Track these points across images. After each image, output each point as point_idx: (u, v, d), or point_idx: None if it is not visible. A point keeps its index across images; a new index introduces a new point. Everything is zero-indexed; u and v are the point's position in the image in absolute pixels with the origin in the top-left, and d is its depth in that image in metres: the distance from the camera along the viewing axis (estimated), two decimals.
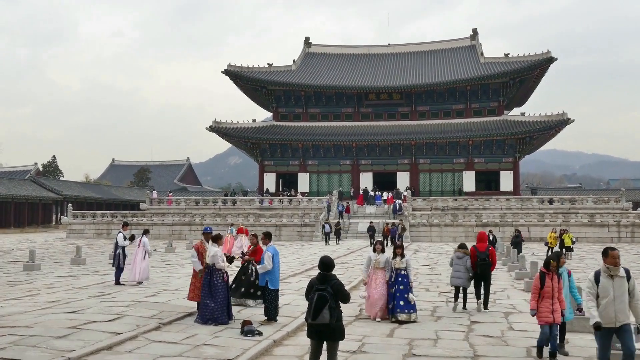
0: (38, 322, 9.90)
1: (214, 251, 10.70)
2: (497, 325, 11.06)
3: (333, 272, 6.89)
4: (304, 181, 59.24)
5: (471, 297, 13.61)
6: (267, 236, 11.57)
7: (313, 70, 63.80)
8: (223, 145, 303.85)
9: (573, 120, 52.32)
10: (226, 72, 59.91)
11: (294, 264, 22.63)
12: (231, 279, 11.87)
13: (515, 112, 61.29)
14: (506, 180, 56.13)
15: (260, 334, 9.58)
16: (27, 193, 65.05)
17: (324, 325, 6.50)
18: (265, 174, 60.97)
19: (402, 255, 11.60)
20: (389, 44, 70.81)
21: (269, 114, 65.80)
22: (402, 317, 11.15)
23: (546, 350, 8.77)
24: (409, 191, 50.35)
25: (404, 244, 12.77)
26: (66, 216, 50.48)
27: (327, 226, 38.13)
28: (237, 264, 13.15)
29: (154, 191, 63.30)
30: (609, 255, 7.02)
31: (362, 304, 12.30)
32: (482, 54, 61.17)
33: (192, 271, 11.63)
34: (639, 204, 65.80)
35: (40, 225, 66.25)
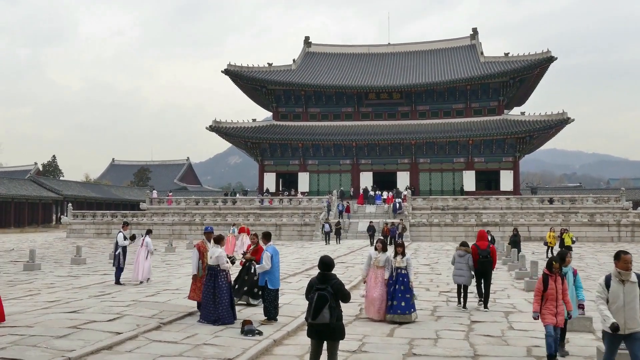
0: (38, 322, 9.90)
1: (218, 252, 10.69)
2: (497, 325, 11.06)
3: (333, 272, 6.90)
4: (304, 181, 59.23)
5: (471, 296, 13.64)
6: (266, 236, 11.55)
7: (313, 69, 63.78)
8: (223, 145, 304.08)
9: (573, 120, 52.31)
10: (226, 72, 59.90)
11: (294, 264, 22.62)
12: (232, 278, 11.86)
13: (515, 111, 61.25)
14: (506, 180, 56.13)
15: (260, 333, 9.58)
16: (27, 193, 65.05)
17: (324, 325, 6.50)
18: (265, 173, 60.98)
19: (403, 254, 11.50)
20: (389, 44, 70.78)
21: (269, 114, 65.78)
22: (400, 318, 11.06)
23: (543, 351, 8.75)
24: (409, 191, 50.35)
25: (404, 244, 12.64)
26: (66, 216, 50.47)
27: (327, 225, 38.13)
28: (238, 263, 13.15)
29: (154, 191, 63.29)
30: (621, 259, 6.66)
31: (363, 304, 12.26)
32: (482, 53, 61.14)
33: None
34: (639, 203, 65.77)
35: (41, 225, 66.25)
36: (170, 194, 62.52)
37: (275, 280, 10.87)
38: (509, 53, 58.74)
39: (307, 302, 6.77)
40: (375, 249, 11.76)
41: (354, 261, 23.84)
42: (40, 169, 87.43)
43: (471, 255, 12.81)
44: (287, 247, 32.85)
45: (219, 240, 10.99)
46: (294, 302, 12.98)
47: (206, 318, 10.46)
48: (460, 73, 57.75)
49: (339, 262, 22.39)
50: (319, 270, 6.89)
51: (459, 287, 13.07)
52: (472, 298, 13.58)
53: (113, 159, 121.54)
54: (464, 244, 13.11)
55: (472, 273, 12.86)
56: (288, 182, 61.02)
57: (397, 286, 11.22)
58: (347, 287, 7.85)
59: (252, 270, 12.27)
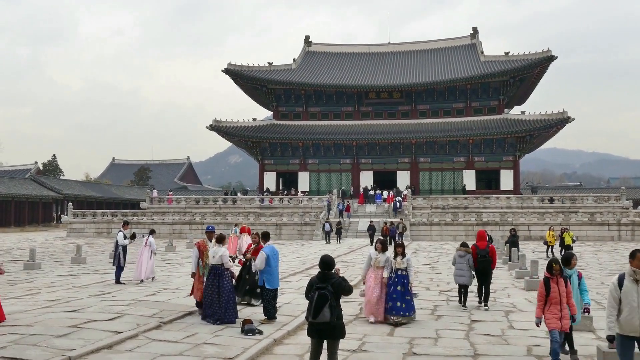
0: (38, 321, 9.90)
1: (222, 251, 10.69)
2: (497, 324, 11.06)
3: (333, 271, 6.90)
4: (304, 180, 59.23)
5: (471, 295, 13.65)
6: (264, 236, 11.59)
7: (313, 69, 63.76)
8: (223, 144, 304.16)
9: (573, 119, 52.29)
10: (226, 71, 59.88)
11: (294, 263, 22.63)
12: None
13: (516, 110, 61.21)
14: (506, 179, 56.12)
15: (260, 332, 9.58)
16: (28, 192, 65.07)
17: (325, 324, 6.51)
18: (265, 172, 60.97)
19: (403, 255, 11.37)
20: (389, 43, 70.74)
21: (269, 113, 65.77)
22: (399, 319, 10.93)
23: (543, 350, 8.76)
24: (409, 190, 50.34)
25: (404, 243, 12.57)
26: (66, 215, 50.48)
27: (327, 225, 38.12)
28: (237, 262, 13.16)
29: (154, 190, 63.29)
30: (637, 258, 6.35)
31: (362, 303, 12.25)
32: (482, 52, 61.11)
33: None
34: (639, 202, 65.76)
35: (41, 224, 66.27)
36: (171, 193, 62.49)
37: (273, 280, 10.87)
38: (509, 52, 58.72)
39: (307, 302, 6.77)
40: (375, 249, 11.62)
41: (354, 260, 23.85)
42: (41, 168, 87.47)
43: (472, 256, 12.88)
44: (287, 247, 32.85)
45: (222, 240, 11.00)
46: (294, 301, 12.98)
47: (210, 317, 10.44)
48: (461, 72, 57.73)
49: (339, 262, 22.38)
50: (319, 270, 6.90)
51: (460, 287, 13.12)
52: (472, 297, 13.59)
53: (113, 158, 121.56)
54: (464, 245, 13.23)
55: (473, 273, 12.93)
56: (288, 182, 61.01)
57: (396, 287, 11.08)
58: None
59: (253, 270, 12.28)
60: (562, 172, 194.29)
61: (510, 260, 22.91)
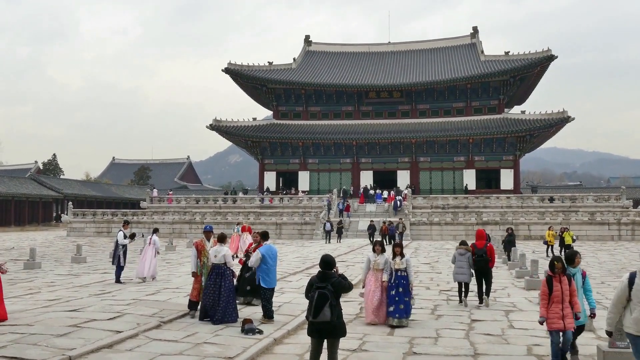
0: (39, 320, 9.91)
1: (224, 251, 10.69)
2: (497, 324, 11.05)
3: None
4: (304, 179, 59.24)
5: (471, 295, 13.66)
6: (263, 236, 11.61)
7: (313, 68, 63.75)
8: (223, 144, 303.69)
9: (573, 118, 52.30)
10: (227, 71, 59.88)
11: (294, 262, 22.63)
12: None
13: (516, 110, 61.22)
14: (506, 179, 56.12)
15: (260, 332, 9.58)
16: (28, 191, 65.07)
17: (325, 323, 6.51)
18: (265, 172, 60.98)
19: (402, 255, 11.00)
20: (389, 43, 70.73)
21: (270, 113, 65.78)
22: (400, 322, 10.65)
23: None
24: (409, 189, 50.33)
25: (404, 243, 12.47)
26: (67, 214, 50.50)
27: (328, 224, 38.11)
28: (237, 262, 13.16)
29: (154, 189, 63.32)
30: None
31: (362, 303, 12.18)
32: (482, 52, 61.11)
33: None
34: (639, 201, 65.74)
35: (41, 223, 66.27)
36: (171, 192, 62.50)
37: (268, 279, 10.87)
38: (509, 52, 58.73)
39: (307, 301, 6.77)
40: (374, 251, 11.20)
41: (354, 260, 23.85)
42: (41, 167, 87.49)
43: (471, 254, 12.99)
44: (287, 246, 32.85)
45: (223, 239, 11.01)
46: (294, 301, 12.98)
47: (212, 317, 10.41)
48: (461, 72, 57.72)
49: (340, 261, 22.35)
50: (319, 269, 6.90)
51: (459, 285, 13.21)
52: (473, 297, 13.60)
53: (113, 157, 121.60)
54: (463, 243, 13.33)
55: (472, 271, 13.01)
56: (288, 181, 61.02)
57: (397, 289, 10.75)
58: None
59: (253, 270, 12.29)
60: (562, 172, 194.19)
61: (510, 260, 22.91)
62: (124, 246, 17.03)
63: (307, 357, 7.71)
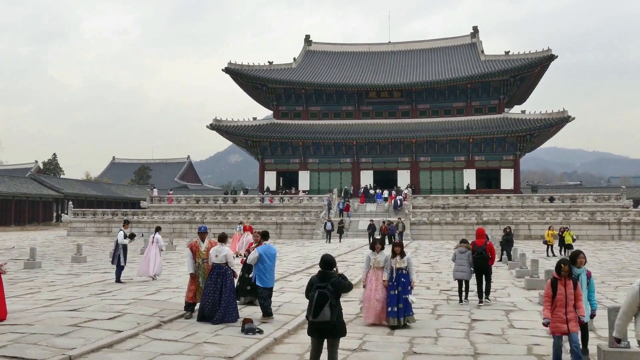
0: (39, 320, 9.91)
1: (225, 250, 10.68)
2: (497, 323, 11.05)
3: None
4: (304, 179, 59.24)
5: (472, 295, 13.67)
6: (263, 235, 11.64)
7: (314, 68, 63.74)
8: (224, 144, 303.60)
9: (574, 118, 52.29)
10: (227, 70, 59.87)
11: (294, 262, 22.64)
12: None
13: (516, 109, 61.22)
14: (507, 178, 56.12)
15: (260, 332, 9.58)
16: (28, 191, 65.08)
17: (325, 323, 6.51)
18: (265, 172, 60.97)
19: (402, 254, 10.81)
20: (390, 42, 70.74)
21: (270, 112, 65.77)
22: (402, 321, 10.50)
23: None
24: (409, 189, 50.33)
25: (404, 242, 12.33)
26: (67, 214, 50.49)
27: (328, 224, 38.10)
28: (239, 261, 13.17)
29: (154, 189, 63.36)
30: None
31: (363, 303, 12.11)
32: (482, 51, 61.10)
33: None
34: None
35: (41, 223, 66.28)
36: (171, 192, 62.51)
37: (265, 279, 10.88)
38: (509, 51, 58.72)
39: (308, 301, 6.78)
40: (374, 249, 11.06)
41: (355, 259, 23.86)
42: (41, 167, 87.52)
43: (471, 252, 13.10)
44: (287, 246, 32.86)
45: (224, 239, 11.00)
46: (294, 300, 12.99)
47: (212, 317, 10.39)
48: (461, 71, 57.72)
49: (340, 261, 22.35)
50: (319, 269, 6.90)
51: (459, 283, 13.27)
52: (473, 297, 13.61)
53: (114, 157, 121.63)
54: (464, 241, 13.46)
55: (472, 269, 13.10)
56: (288, 181, 61.02)
57: (398, 289, 10.58)
58: None
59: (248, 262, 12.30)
60: (562, 171, 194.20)
61: (510, 259, 22.92)
62: (124, 246, 17.04)
63: (307, 357, 7.71)
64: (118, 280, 16.42)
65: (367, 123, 59.09)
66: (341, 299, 6.82)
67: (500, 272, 19.91)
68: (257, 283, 10.89)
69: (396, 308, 10.53)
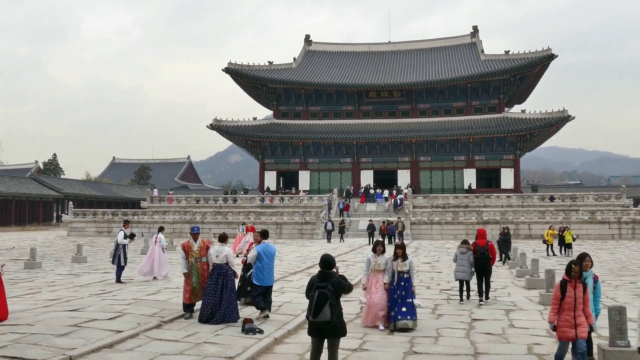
0: (39, 320, 9.91)
1: (226, 251, 10.69)
2: (497, 323, 11.04)
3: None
4: (304, 179, 59.25)
5: (472, 294, 13.68)
6: (262, 235, 11.68)
7: (314, 68, 63.75)
8: (224, 144, 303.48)
9: (574, 118, 52.30)
10: (227, 70, 59.88)
11: (294, 262, 22.64)
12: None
13: (516, 109, 61.24)
14: (507, 178, 56.13)
15: (261, 332, 9.58)
16: (28, 191, 65.09)
17: (325, 323, 6.51)
18: (265, 172, 60.98)
19: (404, 257, 10.50)
20: (390, 42, 70.74)
21: (270, 112, 65.78)
22: (403, 324, 10.21)
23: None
24: (409, 189, 50.33)
25: (405, 243, 12.00)
26: (67, 214, 50.49)
27: (329, 224, 38.09)
28: (240, 261, 13.17)
29: (154, 189, 63.35)
30: None
31: (364, 309, 11.86)
32: (482, 51, 61.12)
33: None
34: None
35: (41, 223, 66.30)
36: (171, 192, 62.51)
37: (263, 277, 10.93)
38: (509, 51, 58.72)
39: (308, 301, 6.78)
40: (375, 251, 10.76)
41: (355, 259, 23.85)
42: (41, 167, 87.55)
43: (472, 253, 13.13)
44: (287, 246, 32.85)
45: (224, 239, 11.03)
46: (294, 300, 12.99)
47: (212, 317, 10.36)
48: (461, 71, 57.73)
49: (340, 261, 22.36)
50: (319, 269, 6.90)
51: (460, 283, 13.32)
52: (473, 296, 13.62)
53: (114, 157, 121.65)
54: (465, 242, 13.51)
55: (473, 270, 13.14)
56: (289, 181, 61.04)
57: (399, 292, 10.33)
58: None
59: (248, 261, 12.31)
60: (562, 171, 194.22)
61: (508, 259, 22.89)
62: (124, 246, 17.04)
63: (307, 357, 7.71)
64: (118, 280, 16.42)
65: (367, 123, 59.09)
66: (341, 299, 6.82)
67: (501, 272, 19.91)
68: (254, 280, 10.96)
69: (393, 312, 10.27)
